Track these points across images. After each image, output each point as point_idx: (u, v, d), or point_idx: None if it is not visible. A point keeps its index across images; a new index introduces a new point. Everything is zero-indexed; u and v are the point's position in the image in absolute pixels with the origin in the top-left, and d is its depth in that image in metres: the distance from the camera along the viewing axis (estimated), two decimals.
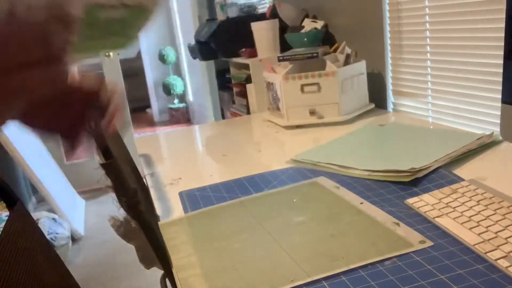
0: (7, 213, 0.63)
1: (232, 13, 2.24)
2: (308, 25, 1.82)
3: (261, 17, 2.04)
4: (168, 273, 0.79)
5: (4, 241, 0.53)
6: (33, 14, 0.33)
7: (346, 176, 0.95)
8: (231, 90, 2.34)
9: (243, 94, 2.05)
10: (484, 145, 1.01)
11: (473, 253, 0.61)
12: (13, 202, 0.60)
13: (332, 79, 1.36)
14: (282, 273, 0.63)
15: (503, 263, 0.57)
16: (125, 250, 2.51)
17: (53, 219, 2.54)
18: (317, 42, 1.76)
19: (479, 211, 0.70)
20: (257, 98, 1.86)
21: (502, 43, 0.76)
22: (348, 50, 1.50)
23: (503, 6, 1.05)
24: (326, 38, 1.84)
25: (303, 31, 1.80)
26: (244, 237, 0.75)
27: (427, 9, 1.29)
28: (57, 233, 2.43)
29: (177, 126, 5.46)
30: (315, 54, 1.43)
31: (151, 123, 5.89)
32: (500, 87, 0.78)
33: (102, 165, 0.68)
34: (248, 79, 1.93)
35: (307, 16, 1.95)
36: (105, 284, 2.24)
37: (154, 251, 0.78)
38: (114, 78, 3.46)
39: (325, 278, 0.61)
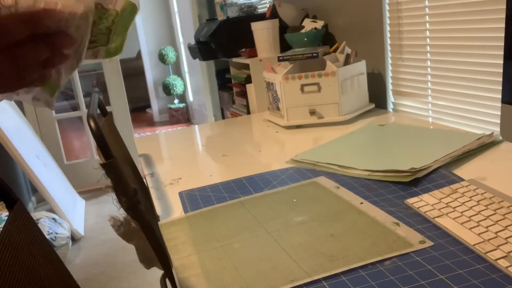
0: (7, 213, 0.62)
1: (232, 13, 2.24)
2: (308, 25, 1.82)
3: (261, 17, 2.04)
4: (168, 273, 0.79)
5: (4, 241, 0.53)
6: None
7: (346, 176, 0.95)
8: (231, 90, 2.34)
9: (243, 94, 2.05)
10: (484, 145, 1.01)
11: (473, 253, 0.61)
12: (13, 202, 0.60)
13: (332, 79, 1.36)
14: (282, 273, 0.63)
15: (503, 263, 0.57)
16: (125, 250, 2.51)
17: (53, 219, 2.54)
18: (317, 42, 1.76)
19: (479, 211, 0.70)
20: (257, 98, 1.87)
21: (502, 43, 0.76)
22: (348, 50, 1.50)
23: (503, 6, 1.05)
24: (326, 38, 1.84)
25: (303, 31, 1.80)
26: (244, 237, 0.75)
27: (427, 9, 1.29)
28: (57, 233, 2.43)
29: (177, 126, 5.46)
30: (315, 54, 1.43)
31: (151, 123, 5.89)
32: (500, 87, 0.78)
33: (102, 165, 0.68)
34: (248, 79, 1.93)
35: (307, 16, 1.95)
36: (105, 284, 2.24)
37: (154, 251, 0.78)
38: (114, 78, 3.47)
39: (325, 278, 0.61)
